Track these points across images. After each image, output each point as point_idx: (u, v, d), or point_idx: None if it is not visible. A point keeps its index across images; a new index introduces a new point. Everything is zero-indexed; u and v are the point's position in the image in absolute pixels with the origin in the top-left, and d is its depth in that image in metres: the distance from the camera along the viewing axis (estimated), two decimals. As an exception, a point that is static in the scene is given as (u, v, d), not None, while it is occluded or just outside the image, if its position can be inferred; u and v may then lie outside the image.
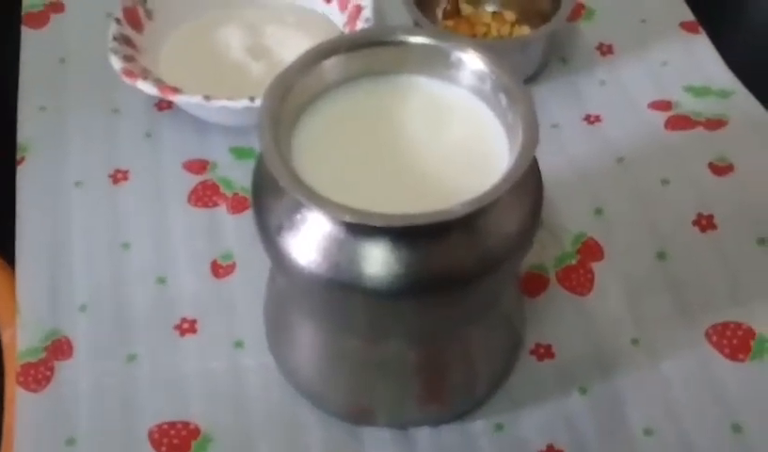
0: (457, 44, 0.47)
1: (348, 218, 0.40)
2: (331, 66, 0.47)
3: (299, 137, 0.46)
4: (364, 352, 0.47)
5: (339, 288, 0.42)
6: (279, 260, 0.44)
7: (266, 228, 0.44)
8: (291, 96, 0.45)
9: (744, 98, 0.66)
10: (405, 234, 0.41)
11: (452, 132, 0.47)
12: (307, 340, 0.49)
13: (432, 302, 0.43)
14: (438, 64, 0.47)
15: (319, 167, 0.44)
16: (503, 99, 0.45)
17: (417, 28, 0.62)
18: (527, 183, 0.45)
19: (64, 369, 0.53)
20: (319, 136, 0.46)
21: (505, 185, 0.41)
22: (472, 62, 0.46)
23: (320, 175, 0.43)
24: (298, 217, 0.43)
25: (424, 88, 0.48)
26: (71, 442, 0.51)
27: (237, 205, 0.61)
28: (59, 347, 0.54)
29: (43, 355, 0.54)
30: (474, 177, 0.43)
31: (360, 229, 0.41)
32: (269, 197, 0.44)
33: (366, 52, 0.47)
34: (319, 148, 0.46)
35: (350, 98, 0.48)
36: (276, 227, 0.43)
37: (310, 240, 0.42)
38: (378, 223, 0.40)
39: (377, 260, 0.41)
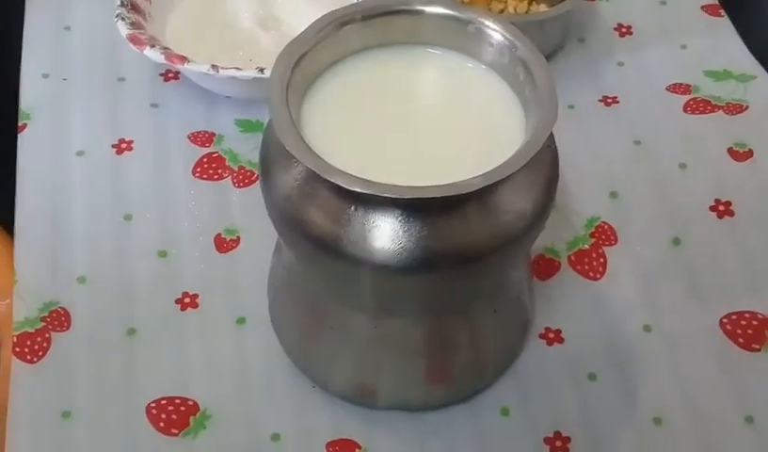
0: (476, 15, 0.45)
1: (358, 189, 0.38)
2: (345, 35, 0.46)
3: (310, 106, 0.44)
4: (370, 328, 0.46)
5: (347, 262, 0.41)
6: (286, 232, 0.43)
7: (274, 198, 0.43)
8: (303, 64, 0.44)
9: (765, 83, 0.64)
10: (415, 208, 0.40)
11: (467, 106, 0.46)
12: (312, 315, 0.48)
13: (441, 279, 0.42)
14: (455, 35, 0.46)
15: (329, 137, 0.43)
16: (521, 73, 0.44)
17: None
18: (543, 160, 0.43)
19: (61, 341, 0.52)
20: (330, 106, 0.45)
21: (521, 161, 0.40)
22: (490, 34, 0.45)
23: (330, 146, 0.42)
24: (307, 187, 0.41)
25: (439, 59, 0.47)
26: (66, 415, 0.49)
27: (243, 179, 0.59)
28: (57, 319, 0.53)
29: (41, 326, 0.52)
30: (489, 152, 0.42)
31: (369, 201, 0.40)
32: (278, 166, 0.43)
33: (381, 21, 0.46)
34: (330, 118, 0.44)
35: (363, 68, 0.46)
36: (284, 198, 0.42)
37: (318, 212, 0.41)
38: (389, 195, 0.38)
39: (387, 233, 0.40)
